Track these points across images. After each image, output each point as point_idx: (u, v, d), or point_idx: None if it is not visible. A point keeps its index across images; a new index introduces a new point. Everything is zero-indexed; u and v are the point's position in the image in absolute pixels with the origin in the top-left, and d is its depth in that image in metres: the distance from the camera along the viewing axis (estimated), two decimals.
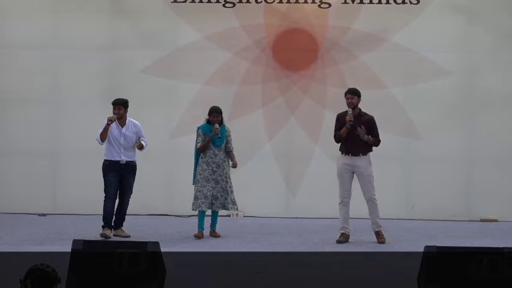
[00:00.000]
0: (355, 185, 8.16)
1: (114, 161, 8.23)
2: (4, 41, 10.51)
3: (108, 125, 8.15)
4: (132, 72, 10.35)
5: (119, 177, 8.23)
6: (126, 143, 8.24)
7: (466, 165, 10.35)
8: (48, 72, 10.46)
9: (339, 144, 8.16)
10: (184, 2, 10.43)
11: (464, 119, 10.37)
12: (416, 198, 10.28)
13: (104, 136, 8.20)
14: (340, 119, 8.13)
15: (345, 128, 7.97)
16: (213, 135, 8.30)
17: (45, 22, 10.47)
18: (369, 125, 8.09)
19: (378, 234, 8.09)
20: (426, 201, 10.24)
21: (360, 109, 8.15)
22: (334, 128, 8.20)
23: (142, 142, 8.29)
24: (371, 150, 8.15)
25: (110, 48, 10.45)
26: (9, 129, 10.45)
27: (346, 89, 8.29)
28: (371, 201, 8.06)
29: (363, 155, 8.06)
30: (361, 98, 8.19)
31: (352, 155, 8.04)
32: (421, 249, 4.42)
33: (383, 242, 8.02)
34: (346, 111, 8.05)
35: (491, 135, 10.27)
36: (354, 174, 8.11)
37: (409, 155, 10.31)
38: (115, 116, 8.21)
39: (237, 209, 8.73)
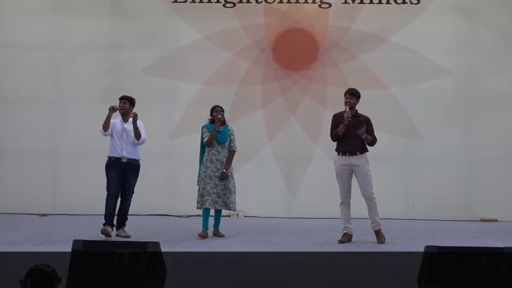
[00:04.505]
0: (355, 185, 8.15)
1: (116, 159, 8.21)
2: (4, 41, 10.52)
3: (109, 110, 8.14)
4: (132, 72, 10.35)
5: (121, 176, 8.22)
6: (129, 138, 8.24)
7: (466, 165, 10.35)
8: (48, 72, 10.47)
9: (336, 144, 8.16)
10: (185, 2, 10.44)
11: (464, 119, 10.37)
12: (416, 198, 10.29)
13: (105, 125, 8.17)
14: (337, 118, 8.13)
15: (342, 125, 7.97)
16: (216, 125, 8.30)
17: (45, 22, 10.48)
18: (366, 124, 8.10)
19: (378, 234, 8.08)
20: (426, 201, 10.24)
21: (357, 110, 8.16)
22: (330, 127, 8.21)
23: (140, 130, 8.22)
24: (367, 150, 8.16)
25: (110, 48, 10.46)
26: (9, 129, 10.46)
27: (346, 89, 8.30)
28: (369, 200, 8.06)
29: (360, 153, 8.06)
30: (362, 97, 8.19)
31: (349, 155, 8.04)
32: (421, 249, 4.42)
33: (383, 242, 8.02)
34: (342, 112, 8.06)
35: (491, 135, 10.27)
36: (353, 174, 8.11)
37: (409, 155, 10.31)
38: (117, 106, 8.23)
39: (235, 210, 8.72)
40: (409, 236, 8.63)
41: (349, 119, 7.92)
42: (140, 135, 8.24)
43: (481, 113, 10.34)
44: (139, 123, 8.33)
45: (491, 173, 10.26)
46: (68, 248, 4.25)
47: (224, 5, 10.42)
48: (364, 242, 8.09)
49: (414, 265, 4.57)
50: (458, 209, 10.22)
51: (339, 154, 8.12)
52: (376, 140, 8.17)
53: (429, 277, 4.30)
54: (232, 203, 8.38)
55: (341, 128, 7.98)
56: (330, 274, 6.44)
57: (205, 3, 10.43)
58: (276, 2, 10.38)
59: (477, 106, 10.36)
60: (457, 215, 10.16)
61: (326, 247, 7.86)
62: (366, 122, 8.09)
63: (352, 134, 7.97)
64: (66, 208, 10.22)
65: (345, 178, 8.06)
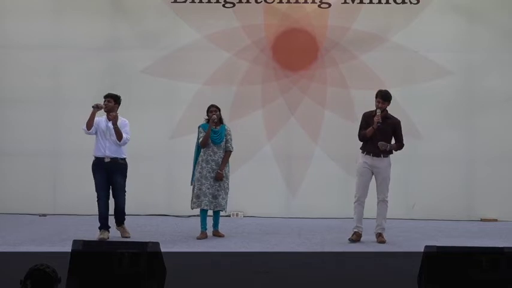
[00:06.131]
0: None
1: (100, 160, 8.16)
2: (4, 41, 10.51)
3: (93, 108, 8.04)
4: (132, 72, 10.35)
5: (107, 177, 8.17)
6: (112, 137, 8.15)
7: (466, 165, 10.35)
8: (48, 72, 10.46)
9: (362, 143, 8.16)
10: (184, 2, 10.43)
11: (464, 118, 10.36)
12: (416, 198, 10.28)
13: (88, 123, 8.07)
14: (367, 118, 8.13)
15: (371, 128, 7.98)
16: (211, 125, 8.28)
17: (45, 22, 10.47)
18: (395, 128, 8.12)
19: (380, 235, 8.09)
20: (426, 201, 10.24)
21: (387, 111, 8.15)
22: (359, 125, 8.19)
23: (123, 129, 8.10)
24: (392, 153, 8.17)
25: (110, 48, 10.45)
26: (9, 129, 10.45)
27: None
28: (383, 202, 8.09)
29: (384, 156, 8.09)
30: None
31: (373, 156, 8.06)
32: (421, 249, 4.42)
33: (383, 242, 8.03)
34: (372, 111, 8.08)
35: (491, 135, 10.27)
36: (373, 175, 8.12)
37: (409, 155, 10.29)
38: (102, 104, 8.12)
39: (225, 212, 8.70)
40: (409, 236, 8.64)
41: (379, 124, 7.93)
42: (122, 137, 8.11)
43: (481, 113, 10.34)
44: (123, 121, 8.23)
45: (491, 173, 10.26)
46: (68, 248, 4.25)
47: (224, 5, 10.41)
48: (364, 242, 8.09)
49: (414, 265, 4.58)
50: (458, 209, 10.22)
51: (363, 153, 8.12)
52: (403, 145, 8.19)
53: (429, 277, 4.31)
54: (224, 204, 8.34)
55: (370, 131, 7.99)
56: (330, 274, 6.45)
57: (205, 3, 10.42)
58: (275, 2, 10.38)
59: (477, 106, 10.35)
60: (457, 215, 10.16)
61: (326, 247, 7.87)
62: (394, 126, 8.11)
63: (379, 137, 7.97)
64: (66, 208, 10.21)
65: (365, 177, 8.09)
